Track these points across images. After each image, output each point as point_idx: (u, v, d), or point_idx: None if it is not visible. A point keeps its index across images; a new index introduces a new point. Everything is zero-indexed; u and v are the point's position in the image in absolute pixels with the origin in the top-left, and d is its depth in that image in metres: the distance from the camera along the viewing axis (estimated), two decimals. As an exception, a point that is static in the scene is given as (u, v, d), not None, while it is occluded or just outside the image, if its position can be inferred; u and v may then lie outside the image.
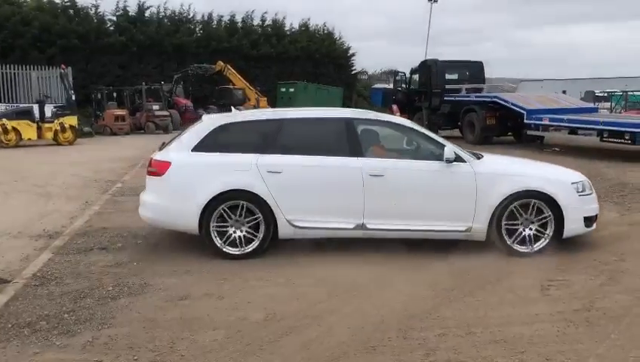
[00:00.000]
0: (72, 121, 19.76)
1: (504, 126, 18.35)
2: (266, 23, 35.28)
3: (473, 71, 21.47)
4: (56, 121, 19.31)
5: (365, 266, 5.51)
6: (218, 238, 5.72)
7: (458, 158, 5.86)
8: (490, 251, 5.76)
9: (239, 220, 5.74)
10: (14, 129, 18.69)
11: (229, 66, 28.14)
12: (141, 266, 5.55)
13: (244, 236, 5.75)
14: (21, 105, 21.13)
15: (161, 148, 6.23)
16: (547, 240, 5.80)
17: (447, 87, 20.85)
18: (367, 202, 5.75)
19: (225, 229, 5.73)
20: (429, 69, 21.45)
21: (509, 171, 6.07)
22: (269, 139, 5.97)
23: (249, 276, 5.23)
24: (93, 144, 20.01)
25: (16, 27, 26.40)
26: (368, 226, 5.81)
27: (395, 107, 22.22)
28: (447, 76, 21.22)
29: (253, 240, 5.76)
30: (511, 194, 5.74)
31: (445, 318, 4.27)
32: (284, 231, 5.79)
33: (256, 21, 35.06)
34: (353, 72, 39.68)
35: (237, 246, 5.73)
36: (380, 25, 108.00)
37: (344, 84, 35.13)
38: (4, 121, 18.61)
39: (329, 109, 7.12)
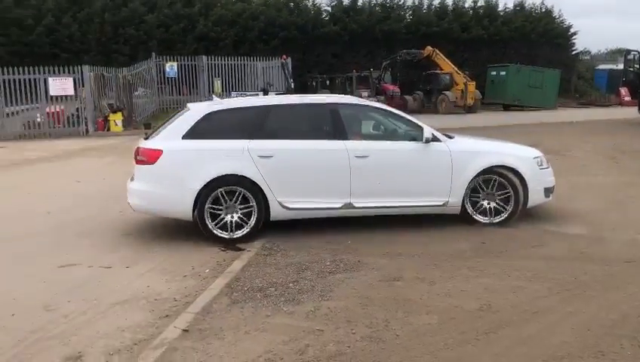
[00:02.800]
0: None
1: None
2: (478, 4, 34.05)
3: None
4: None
5: (589, 265, 5.06)
6: (211, 221, 5.92)
7: (434, 138, 6.30)
8: None
9: (232, 205, 5.96)
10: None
11: (437, 51, 27.78)
12: (355, 245, 5.81)
13: (237, 220, 5.97)
14: (248, 93, 23.49)
15: (146, 138, 6.41)
16: (508, 213, 6.40)
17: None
18: (354, 182, 6.14)
19: (218, 213, 5.94)
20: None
21: (480, 149, 6.60)
22: (257, 125, 6.22)
23: (460, 264, 5.15)
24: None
25: (246, 22, 29.34)
26: (355, 205, 6.20)
27: (623, 90, 19.86)
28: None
29: (244, 225, 5.98)
30: (484, 169, 6.30)
31: (692, 332, 3.73)
32: (276, 212, 6.09)
33: (468, 3, 34.05)
34: (573, 53, 36.38)
35: (228, 231, 5.95)
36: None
37: (563, 66, 32.32)
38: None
39: (313, 96, 7.78)
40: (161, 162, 5.90)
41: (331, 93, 26.32)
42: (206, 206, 5.87)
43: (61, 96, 19.62)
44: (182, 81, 25.57)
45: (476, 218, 6.40)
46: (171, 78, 25.24)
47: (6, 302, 4.53)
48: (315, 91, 27.09)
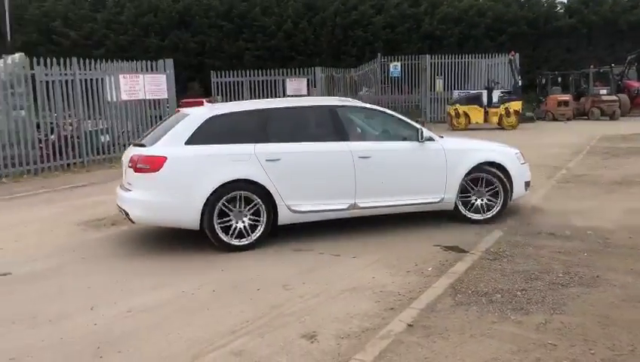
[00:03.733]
0: (516, 106, 20.37)
1: None
2: None
3: None
4: (501, 106, 20.23)
5: None
6: (221, 229, 5.76)
7: (430, 138, 6.50)
8: None
9: (241, 211, 5.84)
10: (465, 113, 20.48)
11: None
12: (592, 258, 5.30)
13: (247, 226, 5.86)
14: (472, 92, 22.94)
15: (137, 145, 6.30)
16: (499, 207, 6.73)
17: None
18: (358, 182, 6.18)
19: (228, 219, 5.79)
20: None
21: (470, 147, 6.96)
22: (261, 128, 6.12)
23: None
24: (535, 129, 20.16)
25: (472, 19, 28.65)
26: (360, 205, 6.27)
27: None
28: None
29: (256, 227, 5.89)
30: (475, 166, 6.58)
31: None
32: (283, 217, 5.99)
33: None
34: None
35: (241, 237, 5.84)
36: None
37: None
38: (457, 106, 20.59)
39: (313, 98, 8.24)
40: (166, 169, 5.68)
41: (563, 91, 24.38)
42: (215, 213, 5.71)
43: (295, 95, 21.44)
44: (404, 80, 26.02)
45: (469, 215, 6.71)
46: (394, 77, 25.83)
47: (252, 278, 5.12)
48: (543, 89, 25.35)
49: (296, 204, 6.02)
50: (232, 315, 4.25)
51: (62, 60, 13.18)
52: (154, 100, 15.43)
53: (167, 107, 15.85)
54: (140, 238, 6.55)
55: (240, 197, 5.81)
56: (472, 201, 6.74)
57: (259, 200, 5.85)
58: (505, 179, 6.73)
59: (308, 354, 3.60)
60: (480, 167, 6.66)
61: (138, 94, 14.89)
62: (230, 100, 21.46)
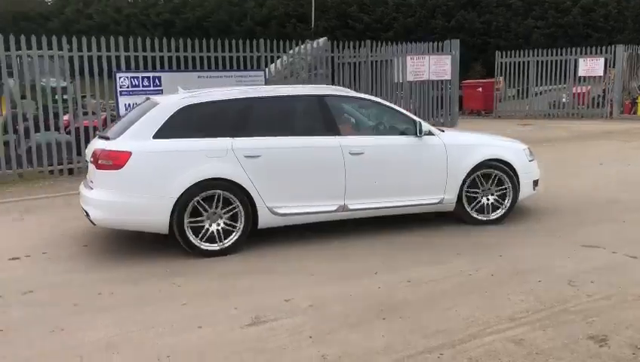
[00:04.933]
0: None
1: None
2: None
3: None
4: None
5: None
6: (192, 235, 5.18)
7: (429, 132, 5.95)
8: None
9: (216, 212, 5.24)
10: None
11: None
12: None
13: (221, 229, 5.28)
14: None
15: (101, 137, 5.60)
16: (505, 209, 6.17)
17: None
18: (349, 182, 5.64)
19: (200, 222, 5.20)
20: None
21: (474, 142, 6.31)
22: (241, 121, 5.51)
23: None
24: None
25: None
26: (350, 207, 5.73)
27: None
28: None
29: (232, 232, 5.32)
30: (478, 163, 6.01)
31: None
32: (264, 220, 5.44)
33: None
34: None
35: (215, 242, 5.27)
36: None
37: None
38: None
39: (300, 86, 7.19)
40: (131, 166, 5.05)
41: None
42: (185, 215, 5.14)
43: (588, 77, 19.47)
44: None
45: (474, 215, 6.12)
46: None
47: (534, 268, 4.91)
48: None
49: (278, 205, 5.46)
50: (510, 302, 4.15)
51: (353, 43, 14.28)
52: (436, 81, 15.71)
53: (449, 88, 16.01)
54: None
55: (218, 197, 5.26)
56: (479, 199, 6.16)
57: (237, 201, 5.30)
58: (513, 177, 6.15)
59: (596, 357, 3.32)
60: (486, 164, 6.08)
61: (422, 75, 15.34)
62: (514, 82, 20.58)
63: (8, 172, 9.60)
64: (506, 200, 6.23)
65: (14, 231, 6.58)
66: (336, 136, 5.70)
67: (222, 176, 5.25)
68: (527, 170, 6.38)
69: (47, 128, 9.94)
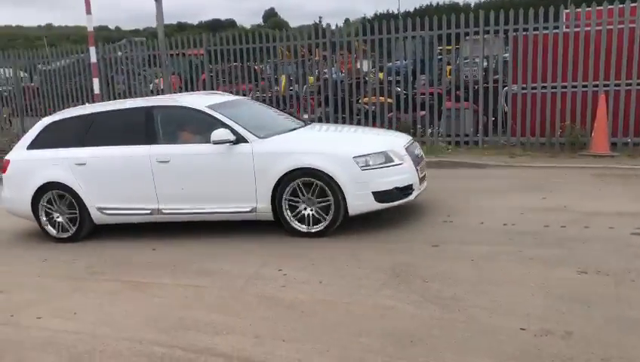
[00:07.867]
0: None
1: None
2: None
3: None
4: None
5: None
6: (50, 226, 6.62)
7: (241, 139, 5.87)
8: None
9: (60, 208, 6.55)
10: None
11: None
12: None
13: (66, 221, 6.57)
14: None
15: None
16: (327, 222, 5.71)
17: None
18: (158, 187, 6.13)
19: (51, 214, 6.60)
20: None
21: (288, 149, 5.87)
22: (82, 133, 6.52)
23: None
24: None
25: None
26: (164, 211, 6.20)
27: None
28: None
29: (69, 229, 6.57)
30: (286, 173, 5.69)
31: None
32: (97, 217, 6.47)
33: None
34: None
35: (65, 231, 6.58)
36: None
37: None
38: None
39: (137, 100, 7.47)
40: (9, 171, 6.78)
41: None
42: (40, 210, 6.60)
43: None
44: None
45: (294, 226, 5.80)
46: None
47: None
48: None
49: (104, 206, 6.45)
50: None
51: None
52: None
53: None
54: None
55: (60, 196, 6.57)
56: (299, 209, 5.76)
57: (74, 201, 6.52)
58: (334, 188, 5.60)
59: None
60: (305, 172, 5.65)
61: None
62: None
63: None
64: (329, 214, 5.74)
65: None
66: (149, 145, 6.23)
67: (57, 180, 6.52)
68: (362, 180, 5.63)
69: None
